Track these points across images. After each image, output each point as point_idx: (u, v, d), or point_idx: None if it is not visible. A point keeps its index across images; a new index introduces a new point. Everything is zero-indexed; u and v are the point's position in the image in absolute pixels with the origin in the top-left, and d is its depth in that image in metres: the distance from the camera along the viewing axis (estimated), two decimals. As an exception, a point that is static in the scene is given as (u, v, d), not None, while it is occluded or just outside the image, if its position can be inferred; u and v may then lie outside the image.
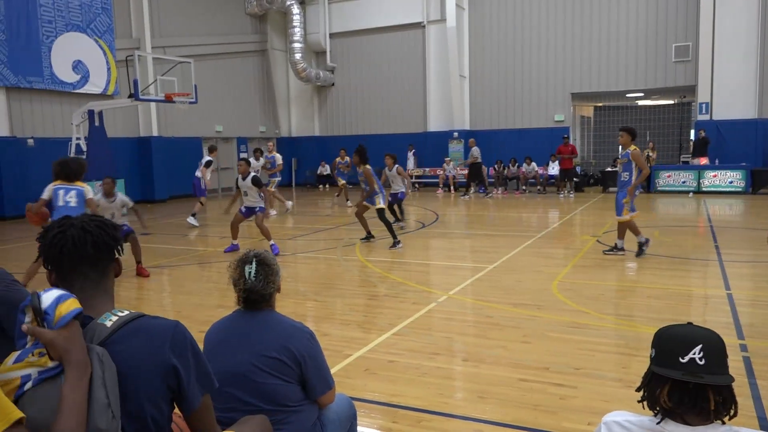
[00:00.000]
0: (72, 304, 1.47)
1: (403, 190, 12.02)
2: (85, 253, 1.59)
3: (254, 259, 2.54)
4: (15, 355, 1.47)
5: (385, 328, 5.53)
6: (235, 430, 2.12)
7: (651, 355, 1.70)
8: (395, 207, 12.33)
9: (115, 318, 1.57)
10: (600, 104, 23.65)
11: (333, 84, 25.55)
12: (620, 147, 8.60)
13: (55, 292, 1.48)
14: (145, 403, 1.51)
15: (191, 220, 13.12)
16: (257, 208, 9.76)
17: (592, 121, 24.29)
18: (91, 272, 1.62)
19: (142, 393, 1.51)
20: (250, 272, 2.50)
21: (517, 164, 21.02)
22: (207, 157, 13.73)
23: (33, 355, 1.44)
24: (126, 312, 1.60)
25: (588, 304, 6.30)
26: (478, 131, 22.98)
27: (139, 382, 1.51)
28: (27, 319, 1.46)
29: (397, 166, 11.91)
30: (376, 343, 5.10)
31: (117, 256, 1.69)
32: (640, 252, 8.48)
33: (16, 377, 1.41)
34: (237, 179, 9.86)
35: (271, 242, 9.59)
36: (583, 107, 23.47)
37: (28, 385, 1.41)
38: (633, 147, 8.32)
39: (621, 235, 8.67)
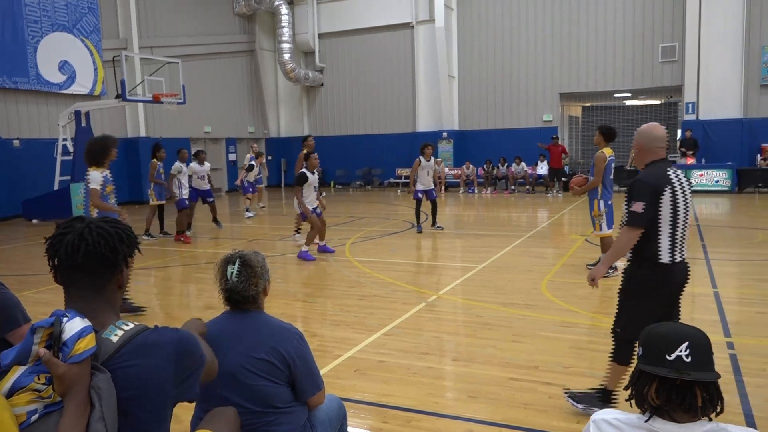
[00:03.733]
0: (90, 342, 1.45)
1: (433, 187, 11.67)
2: (74, 263, 1.56)
3: (238, 260, 2.53)
4: (18, 372, 1.44)
5: (375, 328, 5.54)
6: (207, 427, 2.11)
7: (638, 354, 1.72)
8: (423, 208, 11.83)
9: (120, 332, 1.54)
10: (588, 104, 23.78)
11: (322, 84, 25.52)
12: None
13: (78, 323, 1.46)
14: (149, 418, 1.51)
15: (247, 214, 14.89)
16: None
17: (580, 120, 24.42)
18: (86, 281, 1.58)
19: (146, 409, 1.51)
20: (232, 272, 2.50)
21: (506, 164, 21.11)
22: (251, 162, 15.26)
23: (39, 379, 1.43)
24: (131, 325, 1.57)
25: (577, 303, 6.34)
26: (467, 131, 23.05)
27: (143, 400, 1.51)
28: (36, 340, 1.43)
29: (434, 158, 11.56)
30: (366, 344, 5.11)
31: (122, 268, 1.64)
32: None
33: (23, 413, 1.40)
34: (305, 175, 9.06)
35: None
36: (571, 107, 23.60)
37: (34, 417, 1.41)
38: (603, 150, 7.37)
39: (604, 251, 7.66)
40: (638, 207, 3.29)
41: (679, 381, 1.61)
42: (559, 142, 19.96)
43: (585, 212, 14.12)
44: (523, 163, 20.75)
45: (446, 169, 22.06)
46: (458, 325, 5.72)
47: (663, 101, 22.31)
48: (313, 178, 9.24)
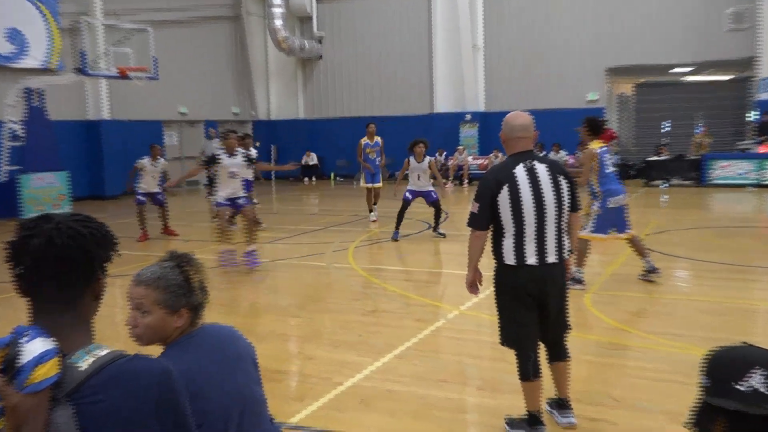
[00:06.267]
0: (52, 369, 1.42)
1: (431, 189, 11.44)
2: (45, 272, 1.54)
3: (185, 255, 2.43)
4: None
5: (384, 350, 5.52)
6: None
7: (703, 383, 1.70)
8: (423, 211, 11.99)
9: (91, 359, 1.51)
10: (641, 80, 23.68)
11: (321, 57, 25.55)
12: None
13: (40, 345, 1.43)
14: None
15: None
16: (244, 199, 9.34)
17: (632, 100, 24.32)
18: (56, 293, 1.56)
19: None
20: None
21: (543, 152, 21.04)
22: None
23: None
24: (105, 350, 1.54)
25: (628, 320, 6.30)
26: (494, 113, 22.95)
27: None
28: None
29: (429, 158, 11.47)
30: (373, 369, 5.10)
31: (98, 275, 1.62)
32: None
33: None
34: (216, 158, 9.15)
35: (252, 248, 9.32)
36: (620, 84, 23.50)
37: None
38: (591, 145, 7.59)
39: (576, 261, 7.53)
40: (474, 207, 3.80)
41: (753, 416, 1.58)
42: (607, 126, 19.88)
43: (638, 210, 14.07)
44: (562, 152, 20.69)
45: (470, 159, 22.02)
46: (483, 347, 5.70)
47: (732, 77, 22.18)
48: (230, 161, 9.06)
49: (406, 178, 11.64)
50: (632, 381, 4.76)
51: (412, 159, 11.28)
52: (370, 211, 13.36)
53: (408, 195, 11.34)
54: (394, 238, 11.02)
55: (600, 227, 7.48)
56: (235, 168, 9.15)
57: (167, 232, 12.39)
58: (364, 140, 13.39)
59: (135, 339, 2.31)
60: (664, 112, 24.35)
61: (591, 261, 9.14)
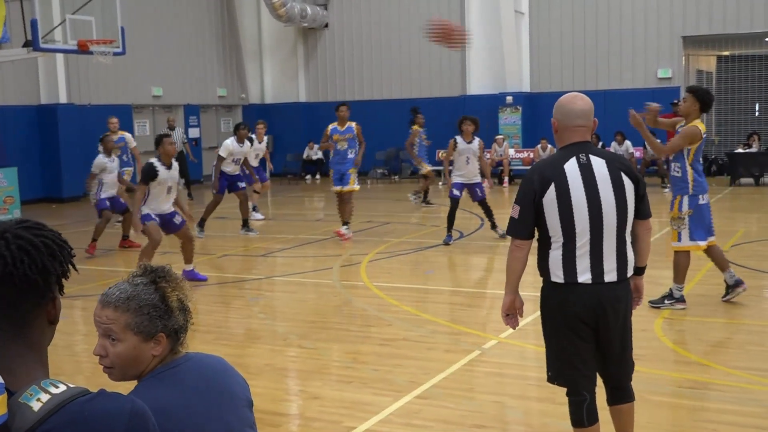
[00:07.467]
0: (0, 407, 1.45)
1: (479, 180, 11.83)
2: None
3: (163, 270, 2.45)
4: None
5: (405, 388, 5.54)
6: None
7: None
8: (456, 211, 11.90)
9: (45, 397, 1.50)
10: (726, 53, 23.51)
11: (326, 25, 25.59)
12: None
13: None
14: None
15: (256, 216, 14.95)
16: (177, 215, 9.32)
17: (714, 78, 24.15)
18: (1, 317, 1.58)
19: None
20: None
21: (601, 143, 20.93)
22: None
23: None
24: (61, 387, 1.54)
25: (710, 353, 6.27)
26: (542, 95, 22.88)
27: None
28: None
29: (478, 139, 11.83)
30: (392, 411, 5.11)
31: (53, 295, 1.64)
32: (659, 301, 7.57)
33: None
34: (154, 169, 9.01)
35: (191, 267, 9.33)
36: (700, 58, 23.35)
37: None
38: (698, 123, 7.33)
39: (675, 271, 7.68)
40: (514, 211, 3.82)
41: None
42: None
43: (722, 216, 13.95)
44: (627, 142, 20.56)
45: (511, 151, 21.97)
46: (528, 385, 5.70)
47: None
48: (168, 175, 9.08)
49: (451, 164, 11.87)
50: (713, 426, 4.75)
51: (459, 139, 11.55)
52: (344, 223, 12.59)
53: (455, 191, 11.61)
54: (446, 242, 11.46)
55: (697, 233, 7.29)
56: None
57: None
58: (332, 126, 12.61)
59: (106, 372, 2.34)
60: (755, 93, 24.15)
61: (661, 278, 9.09)
